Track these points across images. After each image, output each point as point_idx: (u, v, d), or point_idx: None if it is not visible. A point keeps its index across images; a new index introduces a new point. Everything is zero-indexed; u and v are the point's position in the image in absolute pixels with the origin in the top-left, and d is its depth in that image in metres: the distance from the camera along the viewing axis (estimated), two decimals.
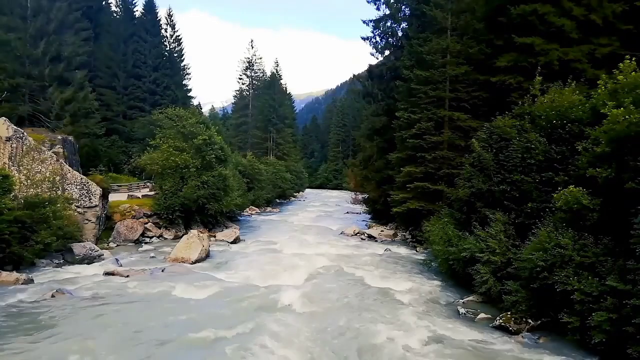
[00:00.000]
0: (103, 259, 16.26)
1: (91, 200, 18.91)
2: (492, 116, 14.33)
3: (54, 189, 17.57)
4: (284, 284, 13.51)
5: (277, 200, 52.04)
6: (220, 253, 18.94)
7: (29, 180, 16.84)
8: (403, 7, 28.76)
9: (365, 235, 25.29)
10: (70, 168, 19.25)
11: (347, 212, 41.51)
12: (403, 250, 20.72)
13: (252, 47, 70.30)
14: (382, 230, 26.01)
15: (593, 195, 9.41)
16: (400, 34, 29.14)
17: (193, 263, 16.47)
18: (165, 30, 49.66)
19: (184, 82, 51.78)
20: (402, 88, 23.69)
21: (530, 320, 9.96)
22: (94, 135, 33.60)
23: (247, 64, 69.86)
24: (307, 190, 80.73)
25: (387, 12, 29.20)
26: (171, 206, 22.54)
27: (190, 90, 53.06)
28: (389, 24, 29.46)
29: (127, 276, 13.85)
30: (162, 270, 14.97)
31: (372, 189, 30.66)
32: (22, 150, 17.51)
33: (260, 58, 70.99)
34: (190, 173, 23.29)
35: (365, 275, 15.21)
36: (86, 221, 18.64)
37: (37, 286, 12.45)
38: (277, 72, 70.78)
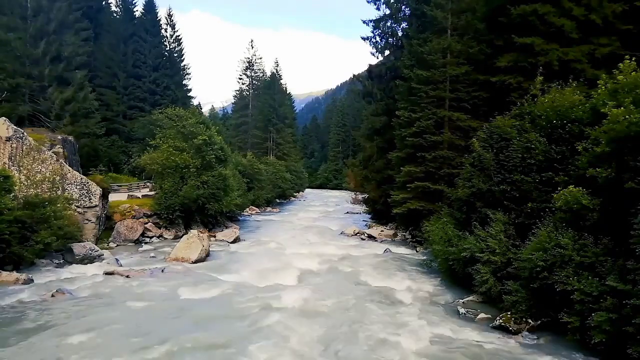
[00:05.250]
0: (103, 259, 16.24)
1: (91, 200, 18.91)
2: (492, 116, 14.31)
3: (54, 189, 17.56)
4: (284, 284, 13.53)
5: (277, 200, 52.03)
6: (220, 253, 18.95)
7: (29, 180, 16.83)
8: (403, 7, 28.77)
9: (365, 235, 25.28)
10: (70, 168, 19.25)
11: (347, 212, 41.50)
12: (403, 250, 20.71)
13: (252, 47, 70.46)
14: (382, 230, 26.00)
15: (593, 195, 9.40)
16: (400, 34, 29.15)
17: (193, 263, 16.47)
18: (165, 30, 49.71)
19: (184, 82, 51.82)
20: (402, 87, 23.69)
21: (530, 320, 9.96)
22: (94, 135, 33.63)
23: (247, 64, 69.95)
24: (307, 190, 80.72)
25: (387, 12, 29.23)
26: (171, 206, 22.54)
27: (190, 90, 53.16)
28: (389, 24, 29.47)
29: (127, 276, 13.84)
30: (162, 270, 14.96)
31: (372, 189, 30.64)
32: (22, 150, 17.51)
33: (260, 58, 71.18)
34: (190, 173, 23.29)
35: (365, 275, 15.21)
36: (86, 221, 18.64)
37: (37, 286, 12.45)
38: (277, 72, 70.91)
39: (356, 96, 66.17)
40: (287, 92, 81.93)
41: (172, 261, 16.58)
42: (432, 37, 21.76)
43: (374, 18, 29.32)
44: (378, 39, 29.72)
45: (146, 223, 22.27)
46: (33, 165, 17.49)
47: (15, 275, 12.81)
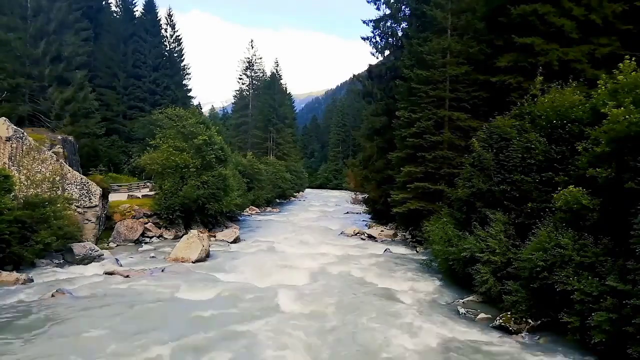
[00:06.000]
0: (103, 259, 16.24)
1: (91, 200, 18.91)
2: (492, 116, 14.31)
3: (54, 189, 17.57)
4: (284, 284, 13.52)
5: (277, 200, 52.04)
6: (220, 253, 18.94)
7: (29, 180, 16.84)
8: (403, 7, 28.79)
9: (365, 235, 25.28)
10: (70, 168, 19.25)
11: (347, 212, 41.51)
12: (403, 250, 20.71)
13: (252, 47, 70.58)
14: (382, 230, 26.00)
15: (593, 195, 9.40)
16: (400, 33, 29.18)
17: (193, 263, 16.47)
18: (165, 30, 49.74)
19: (184, 82, 51.86)
20: (402, 87, 23.69)
21: (530, 320, 9.95)
22: (94, 135, 33.65)
23: (247, 64, 70.05)
24: (307, 190, 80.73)
25: (387, 12, 29.26)
26: (171, 206, 22.53)
27: (190, 90, 53.22)
28: (389, 23, 29.51)
29: (127, 276, 13.84)
30: (162, 270, 14.97)
31: (372, 189, 30.65)
32: (22, 150, 17.51)
33: (260, 58, 71.32)
34: (190, 173, 23.28)
35: (365, 275, 15.21)
36: (86, 221, 18.64)
37: (37, 286, 12.44)
38: (277, 72, 70.99)
39: (356, 96, 66.30)
40: (287, 92, 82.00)
41: (172, 261, 16.58)
42: (432, 37, 21.76)
43: (374, 18, 29.41)
44: (378, 39, 29.77)
45: (146, 223, 22.26)
46: (33, 165, 17.49)
47: (15, 275, 12.81)
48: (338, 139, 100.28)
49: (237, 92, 72.72)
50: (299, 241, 22.82)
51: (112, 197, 23.13)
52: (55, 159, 18.55)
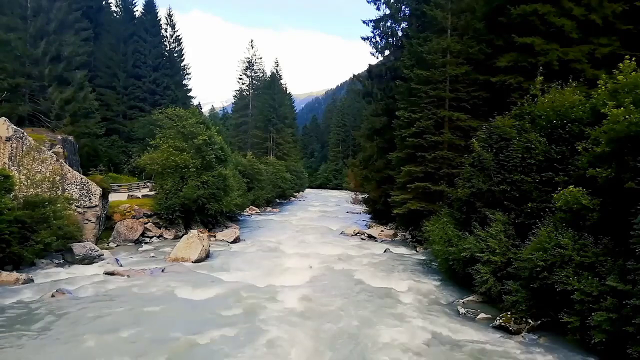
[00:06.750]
0: (103, 259, 16.24)
1: (91, 200, 18.91)
2: (492, 116, 14.31)
3: (54, 189, 17.57)
4: (284, 284, 13.52)
5: (277, 200, 52.03)
6: (220, 253, 18.94)
7: (29, 180, 16.84)
8: (403, 7, 28.81)
9: (365, 235, 25.28)
10: (70, 168, 19.24)
11: (347, 212, 41.53)
12: (403, 250, 20.71)
13: (252, 47, 70.66)
14: (382, 230, 26.01)
15: (593, 195, 9.41)
16: (400, 33, 29.20)
17: (193, 263, 16.47)
18: (165, 30, 49.76)
19: (184, 82, 51.89)
20: (402, 88, 23.70)
21: (530, 320, 9.96)
22: (94, 135, 33.67)
23: (247, 64, 70.13)
24: (307, 190, 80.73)
25: (387, 12, 29.26)
26: (171, 206, 22.52)
27: (190, 90, 53.25)
28: (389, 23, 29.51)
29: (127, 276, 13.85)
30: (162, 270, 14.97)
31: (372, 189, 30.66)
32: (22, 150, 17.51)
33: (260, 58, 71.46)
34: (190, 173, 23.28)
35: (365, 275, 15.21)
36: (86, 221, 18.63)
37: (37, 286, 12.44)
38: (277, 72, 70.97)
39: (356, 96, 66.31)
40: (287, 92, 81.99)
41: (172, 261, 16.58)
42: (432, 36, 21.77)
43: (374, 18, 29.43)
44: (378, 39, 29.77)
45: (146, 223, 22.26)
46: (33, 165, 17.49)
47: (15, 275, 12.81)
48: (338, 139, 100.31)
49: (237, 92, 72.82)
50: (299, 241, 22.81)
51: (112, 197, 23.13)
52: (55, 159, 18.54)
